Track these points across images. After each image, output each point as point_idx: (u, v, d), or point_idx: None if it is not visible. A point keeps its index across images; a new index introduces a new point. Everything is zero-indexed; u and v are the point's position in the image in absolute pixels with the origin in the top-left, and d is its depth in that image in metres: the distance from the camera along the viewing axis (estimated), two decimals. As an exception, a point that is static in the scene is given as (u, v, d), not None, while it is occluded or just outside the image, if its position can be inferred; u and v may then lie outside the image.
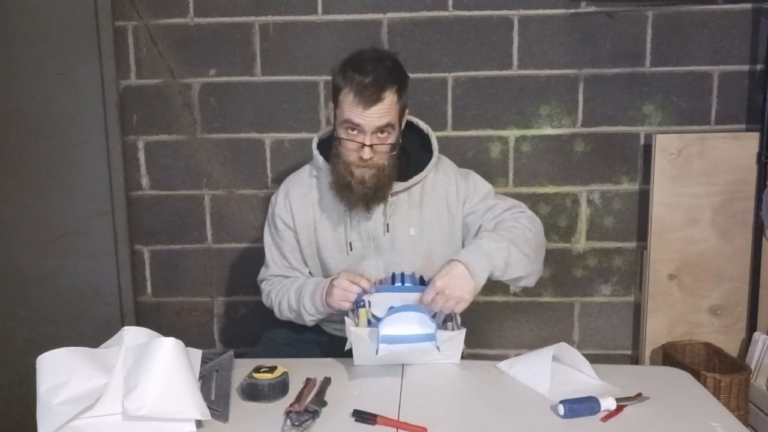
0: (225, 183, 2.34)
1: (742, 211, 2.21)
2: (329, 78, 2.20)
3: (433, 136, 1.67)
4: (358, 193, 1.53)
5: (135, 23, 2.26)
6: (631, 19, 2.20)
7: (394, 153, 1.54)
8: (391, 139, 1.52)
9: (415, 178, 1.61)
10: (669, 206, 2.22)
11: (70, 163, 2.32)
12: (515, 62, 2.23)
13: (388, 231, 1.61)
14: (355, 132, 1.49)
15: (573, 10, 2.20)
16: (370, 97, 1.45)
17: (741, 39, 2.19)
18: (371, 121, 1.47)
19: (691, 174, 2.20)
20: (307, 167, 1.72)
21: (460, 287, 1.40)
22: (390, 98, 1.48)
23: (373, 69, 1.47)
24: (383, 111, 1.47)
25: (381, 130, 1.49)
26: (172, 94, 2.30)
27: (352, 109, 1.47)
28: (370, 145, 1.48)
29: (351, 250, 1.62)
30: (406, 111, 1.59)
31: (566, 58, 2.22)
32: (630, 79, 2.23)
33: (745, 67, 2.21)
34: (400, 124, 1.56)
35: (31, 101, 2.29)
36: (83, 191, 2.33)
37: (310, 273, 1.70)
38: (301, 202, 1.66)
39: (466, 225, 1.65)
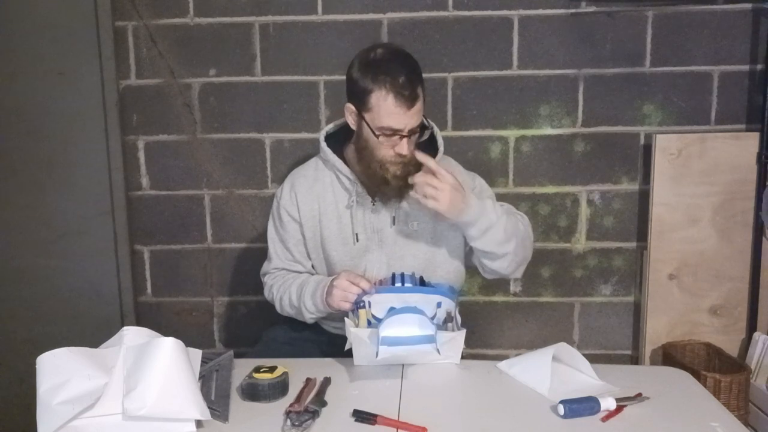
0: (225, 183, 2.34)
1: (742, 211, 2.21)
2: (329, 78, 2.23)
3: (439, 133, 1.69)
4: (395, 187, 1.55)
5: (135, 23, 2.26)
6: (631, 19, 2.20)
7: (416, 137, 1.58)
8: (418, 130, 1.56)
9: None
10: (669, 206, 2.22)
11: (70, 163, 2.32)
12: (515, 62, 2.23)
13: (394, 223, 1.62)
14: (395, 136, 1.51)
15: (573, 10, 2.20)
16: (409, 96, 1.47)
17: (741, 39, 2.19)
18: (411, 121, 1.50)
19: (691, 174, 2.20)
20: (312, 161, 1.73)
21: (453, 197, 1.45)
22: (421, 93, 1.51)
23: (401, 65, 1.49)
24: (419, 109, 1.51)
25: (416, 127, 1.52)
26: (172, 94, 2.30)
27: (392, 113, 1.48)
28: (408, 135, 1.51)
29: (357, 241, 1.63)
30: None
31: (566, 58, 2.22)
32: (630, 79, 2.23)
33: (745, 67, 2.21)
34: None
35: (31, 101, 2.29)
36: (83, 191, 2.33)
37: (312, 266, 1.71)
38: (306, 193, 1.67)
39: None
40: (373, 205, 1.62)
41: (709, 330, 2.26)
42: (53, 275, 2.37)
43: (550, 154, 2.28)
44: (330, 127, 1.72)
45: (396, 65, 1.49)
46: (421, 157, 1.50)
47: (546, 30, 2.21)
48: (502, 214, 1.55)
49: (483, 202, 1.54)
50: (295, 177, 1.71)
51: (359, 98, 1.53)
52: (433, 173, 1.46)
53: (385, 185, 1.56)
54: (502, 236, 1.54)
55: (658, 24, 2.20)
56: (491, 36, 2.22)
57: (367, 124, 1.53)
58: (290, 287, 1.64)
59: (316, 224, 1.66)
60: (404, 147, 1.51)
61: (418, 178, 1.47)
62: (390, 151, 1.52)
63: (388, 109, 1.48)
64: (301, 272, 1.70)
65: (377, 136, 1.51)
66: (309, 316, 1.62)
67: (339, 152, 1.64)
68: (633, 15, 2.20)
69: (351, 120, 1.59)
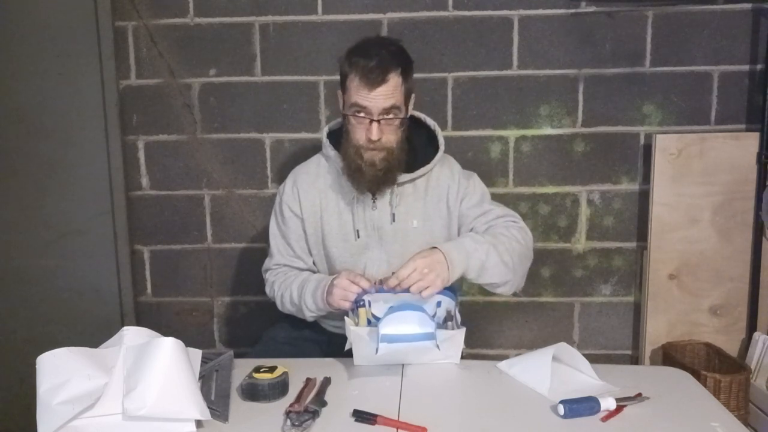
0: (225, 183, 2.34)
1: (742, 211, 2.21)
2: (329, 78, 2.23)
3: (440, 132, 1.70)
4: (369, 176, 1.56)
5: (135, 23, 2.26)
6: (631, 19, 2.20)
7: (402, 129, 1.57)
8: (398, 120, 1.55)
9: (422, 170, 1.64)
10: (669, 206, 2.22)
11: (70, 163, 2.32)
12: (515, 62, 2.23)
13: (394, 221, 1.62)
14: (362, 114, 1.53)
15: (573, 10, 2.20)
16: (374, 79, 1.49)
17: (741, 39, 2.19)
18: (377, 103, 1.51)
19: (691, 174, 2.20)
20: (315, 158, 1.75)
21: (436, 272, 1.42)
22: (394, 80, 1.51)
23: (377, 53, 1.51)
24: (388, 92, 1.51)
25: (387, 111, 1.52)
26: (172, 94, 2.30)
27: (358, 91, 1.51)
28: (378, 120, 1.51)
29: (358, 237, 1.63)
30: (413, 96, 1.62)
31: (566, 58, 2.22)
32: (630, 79, 2.22)
33: (745, 67, 2.21)
34: (407, 108, 1.59)
35: (31, 101, 2.29)
36: (83, 191, 2.33)
37: (313, 263, 1.71)
38: (308, 189, 1.68)
39: (460, 223, 1.68)
40: (374, 202, 1.62)
41: (709, 330, 2.26)
42: (53, 275, 2.37)
43: (550, 154, 2.28)
44: (332, 124, 1.73)
45: (373, 51, 1.52)
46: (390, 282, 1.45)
47: (546, 30, 2.21)
48: (489, 247, 1.51)
49: (460, 242, 1.51)
50: (297, 173, 1.73)
51: (342, 82, 1.57)
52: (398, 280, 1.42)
53: (359, 173, 1.56)
54: (501, 267, 1.53)
55: (658, 24, 2.19)
56: (491, 36, 2.22)
57: (344, 106, 1.57)
58: (291, 285, 1.65)
59: (317, 220, 1.67)
60: (373, 132, 1.51)
61: (392, 281, 1.42)
62: (362, 135, 1.54)
63: (355, 89, 1.51)
64: (302, 268, 1.71)
65: (347, 117, 1.55)
66: (309, 314, 1.62)
67: (341, 150, 1.65)
68: (633, 15, 2.20)
69: (340, 105, 1.62)
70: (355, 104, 1.52)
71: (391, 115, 1.53)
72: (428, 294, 1.42)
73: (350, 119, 1.55)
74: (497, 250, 1.53)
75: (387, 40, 1.60)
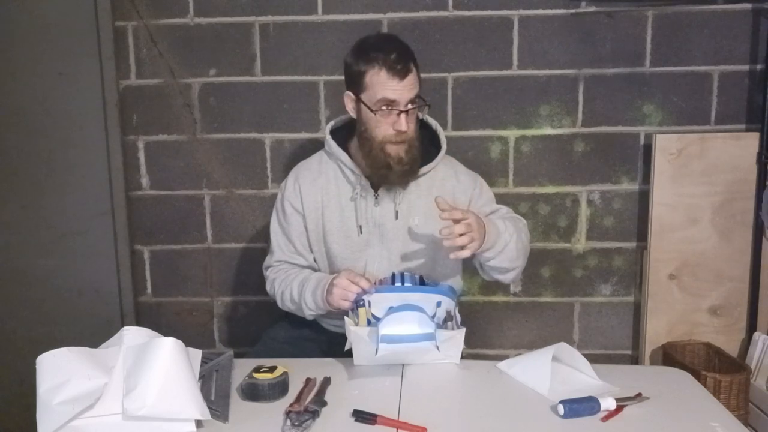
0: (225, 183, 2.34)
1: (742, 211, 2.21)
2: (329, 78, 2.23)
3: (442, 131, 1.71)
4: (398, 172, 1.57)
5: (135, 23, 2.26)
6: (631, 19, 2.20)
7: (418, 118, 1.60)
8: (417, 108, 1.58)
9: (425, 168, 1.65)
10: (669, 206, 2.22)
11: (70, 163, 2.32)
12: (515, 62, 2.23)
13: (397, 218, 1.62)
14: (391, 108, 1.53)
15: (573, 10, 2.20)
16: (401, 69, 1.51)
17: (741, 39, 2.19)
18: (405, 93, 1.52)
19: (691, 174, 2.20)
20: (317, 155, 1.75)
21: (479, 235, 1.44)
22: (414, 69, 1.55)
23: (393, 46, 1.53)
24: (412, 82, 1.54)
25: (413, 101, 1.55)
26: (172, 94, 2.30)
27: (386, 85, 1.52)
28: (406, 111, 1.53)
29: (361, 232, 1.64)
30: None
31: (566, 58, 2.22)
32: (630, 79, 2.23)
33: (745, 67, 2.21)
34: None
35: (31, 101, 2.29)
36: (83, 191, 2.33)
37: (314, 260, 1.71)
38: (310, 186, 1.68)
39: None
40: (376, 198, 1.63)
41: (709, 330, 2.26)
42: (53, 275, 2.37)
43: (550, 154, 2.28)
44: (335, 122, 1.74)
45: (387, 45, 1.54)
46: (439, 201, 1.46)
47: (546, 30, 2.21)
48: (513, 232, 1.57)
49: (495, 223, 1.55)
50: (299, 170, 1.73)
51: (355, 82, 1.57)
52: (451, 212, 1.43)
53: (387, 170, 1.57)
54: (515, 253, 1.57)
55: (658, 24, 2.20)
56: (491, 36, 2.22)
57: (365, 105, 1.55)
58: (292, 283, 1.65)
59: (318, 216, 1.67)
60: (402, 123, 1.53)
61: (446, 231, 1.42)
62: (389, 130, 1.54)
63: (382, 83, 1.52)
64: (303, 265, 1.71)
65: (374, 112, 1.54)
66: (309, 313, 1.63)
67: (344, 147, 1.66)
68: (633, 15, 2.20)
69: (350, 108, 1.62)
70: (383, 99, 1.52)
71: (415, 104, 1.55)
72: (465, 254, 1.43)
73: (375, 115, 1.54)
74: (519, 236, 1.58)
75: (388, 35, 1.63)
